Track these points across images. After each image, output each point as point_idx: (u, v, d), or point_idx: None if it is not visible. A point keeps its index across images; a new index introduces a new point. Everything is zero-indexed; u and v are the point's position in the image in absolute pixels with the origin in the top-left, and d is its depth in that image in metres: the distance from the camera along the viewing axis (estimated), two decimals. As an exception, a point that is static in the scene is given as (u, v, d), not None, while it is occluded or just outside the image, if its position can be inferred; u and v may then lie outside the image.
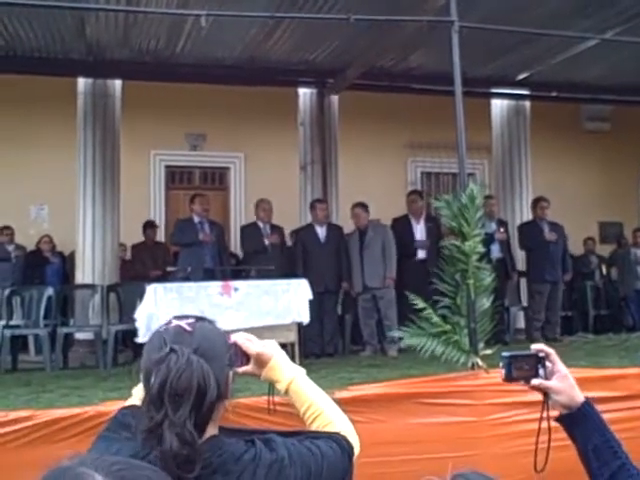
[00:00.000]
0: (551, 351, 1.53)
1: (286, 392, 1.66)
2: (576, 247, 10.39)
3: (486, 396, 4.29)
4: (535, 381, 1.51)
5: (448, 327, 4.54)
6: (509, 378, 1.51)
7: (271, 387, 1.70)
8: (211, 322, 1.58)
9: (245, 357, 1.67)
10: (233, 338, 1.65)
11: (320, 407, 1.65)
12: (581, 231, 10.79)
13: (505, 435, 4.24)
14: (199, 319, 1.56)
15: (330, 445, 1.55)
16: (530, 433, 1.55)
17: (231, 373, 1.54)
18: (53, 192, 9.70)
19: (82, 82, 8.72)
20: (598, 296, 10.09)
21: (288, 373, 1.67)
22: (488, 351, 4.67)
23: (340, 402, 1.89)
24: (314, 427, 1.64)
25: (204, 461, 1.39)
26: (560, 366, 1.53)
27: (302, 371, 1.69)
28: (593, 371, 4.62)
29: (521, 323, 9.12)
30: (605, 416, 1.48)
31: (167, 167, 10.86)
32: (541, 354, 1.52)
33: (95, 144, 8.62)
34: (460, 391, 4.31)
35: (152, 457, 1.37)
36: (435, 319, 4.53)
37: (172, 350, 1.42)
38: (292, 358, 6.09)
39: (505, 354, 1.52)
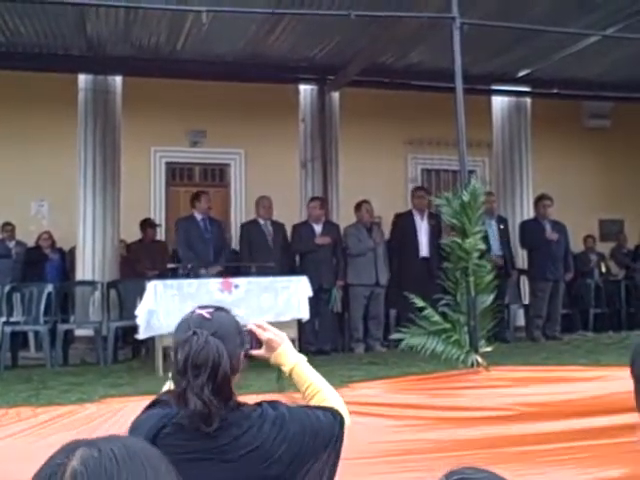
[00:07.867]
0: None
1: (290, 374, 2.03)
2: (576, 245, 10.38)
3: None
4: None
5: (448, 325, 4.53)
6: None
7: (279, 372, 2.07)
8: (227, 311, 1.93)
9: (258, 342, 2.03)
10: (249, 325, 2.02)
11: (318, 387, 2.02)
12: (581, 228, 10.76)
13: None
14: (218, 309, 1.89)
15: (325, 413, 1.90)
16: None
17: (242, 353, 1.88)
18: (53, 188, 9.70)
19: (82, 78, 8.71)
20: (598, 294, 10.07)
21: (293, 359, 2.05)
22: (488, 349, 4.67)
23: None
24: (313, 403, 1.99)
25: (222, 417, 1.75)
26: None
27: (304, 358, 2.07)
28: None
29: (521, 321, 9.10)
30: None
31: (167, 164, 10.85)
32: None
33: (95, 140, 8.61)
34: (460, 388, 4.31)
35: (181, 415, 1.77)
36: (435, 317, 4.52)
37: (194, 332, 1.78)
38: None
39: None
